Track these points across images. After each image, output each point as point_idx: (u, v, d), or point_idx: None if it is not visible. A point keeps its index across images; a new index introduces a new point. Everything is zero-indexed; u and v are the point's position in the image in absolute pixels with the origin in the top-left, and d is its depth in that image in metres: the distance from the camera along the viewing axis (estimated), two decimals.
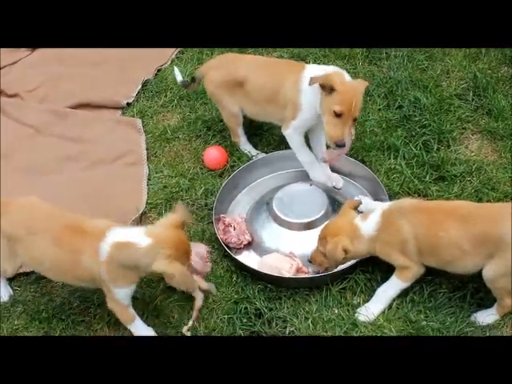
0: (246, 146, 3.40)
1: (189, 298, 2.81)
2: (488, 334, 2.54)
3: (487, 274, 2.48)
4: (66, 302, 2.88)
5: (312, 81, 2.83)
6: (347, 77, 2.89)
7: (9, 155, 3.66)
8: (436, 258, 2.58)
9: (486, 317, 2.58)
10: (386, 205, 2.71)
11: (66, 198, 3.33)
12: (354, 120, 2.85)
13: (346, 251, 2.62)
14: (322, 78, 2.80)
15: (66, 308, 2.85)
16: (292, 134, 3.10)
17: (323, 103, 2.85)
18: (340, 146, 2.84)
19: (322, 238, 2.69)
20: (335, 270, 2.75)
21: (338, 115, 2.80)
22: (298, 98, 2.97)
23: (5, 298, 2.92)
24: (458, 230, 2.48)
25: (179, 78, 3.52)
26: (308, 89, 2.91)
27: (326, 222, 2.91)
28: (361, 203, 2.87)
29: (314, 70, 2.99)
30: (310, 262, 2.80)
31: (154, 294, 2.85)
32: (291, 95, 2.99)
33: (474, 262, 2.50)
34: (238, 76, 3.16)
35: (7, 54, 4.33)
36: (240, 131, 3.36)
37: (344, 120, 2.80)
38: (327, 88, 2.79)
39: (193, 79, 3.42)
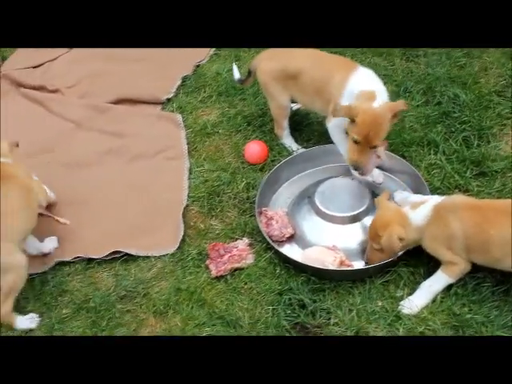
0: (287, 140, 3.44)
1: (233, 290, 2.87)
2: None
3: None
4: (112, 291, 2.94)
5: (336, 113, 2.86)
6: (380, 99, 2.87)
7: (51, 149, 3.73)
8: (486, 255, 2.59)
9: None
10: (439, 199, 2.72)
11: (108, 191, 3.41)
12: (374, 147, 2.88)
13: (400, 239, 2.65)
14: (344, 111, 2.83)
15: (113, 298, 2.91)
16: (333, 127, 3.13)
17: (347, 127, 2.91)
18: (355, 169, 2.95)
19: (374, 236, 2.71)
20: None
21: (355, 142, 2.86)
22: (340, 97, 2.99)
23: None
24: (510, 227, 2.49)
25: (237, 75, 3.57)
26: (349, 93, 2.94)
27: (367, 216, 2.96)
28: (390, 194, 2.91)
29: (363, 74, 3.01)
30: (367, 263, 2.81)
31: (198, 284, 2.90)
32: (335, 92, 3.01)
33: None
34: (293, 67, 3.18)
35: (47, 51, 4.40)
36: (285, 124, 3.39)
37: (361, 147, 2.86)
38: (349, 118, 2.84)
39: (249, 73, 3.45)
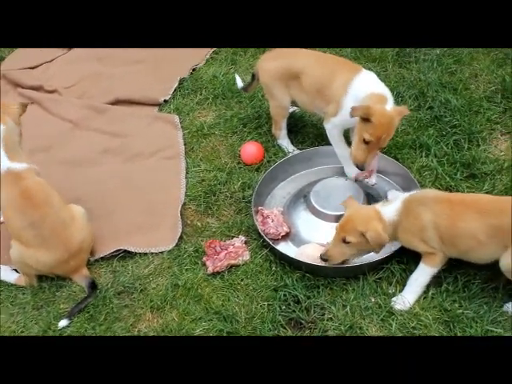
0: (283, 141, 3.51)
1: (230, 286, 2.92)
2: None
3: (504, 263, 2.58)
4: (109, 287, 2.98)
5: (353, 112, 2.89)
6: (390, 102, 2.95)
7: (49, 148, 3.78)
8: (455, 247, 2.67)
9: None
10: (408, 194, 2.80)
11: (106, 190, 3.45)
12: (380, 149, 2.95)
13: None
14: (362, 111, 2.87)
15: (110, 293, 2.95)
16: (331, 128, 3.19)
17: (358, 126, 2.95)
18: (359, 168, 3.00)
19: (350, 230, 2.72)
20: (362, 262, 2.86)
21: (366, 142, 2.91)
22: (343, 98, 3.04)
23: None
24: (475, 221, 2.57)
25: (240, 84, 3.65)
26: (354, 93, 3.00)
27: None
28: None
29: (367, 77, 3.06)
30: (324, 259, 2.82)
31: (195, 281, 2.94)
32: (338, 93, 3.07)
33: (489, 252, 2.60)
34: (296, 67, 3.23)
35: (44, 52, 4.47)
36: (283, 124, 3.46)
37: (370, 148, 2.93)
38: (365, 119, 2.88)
39: (252, 77, 3.51)
